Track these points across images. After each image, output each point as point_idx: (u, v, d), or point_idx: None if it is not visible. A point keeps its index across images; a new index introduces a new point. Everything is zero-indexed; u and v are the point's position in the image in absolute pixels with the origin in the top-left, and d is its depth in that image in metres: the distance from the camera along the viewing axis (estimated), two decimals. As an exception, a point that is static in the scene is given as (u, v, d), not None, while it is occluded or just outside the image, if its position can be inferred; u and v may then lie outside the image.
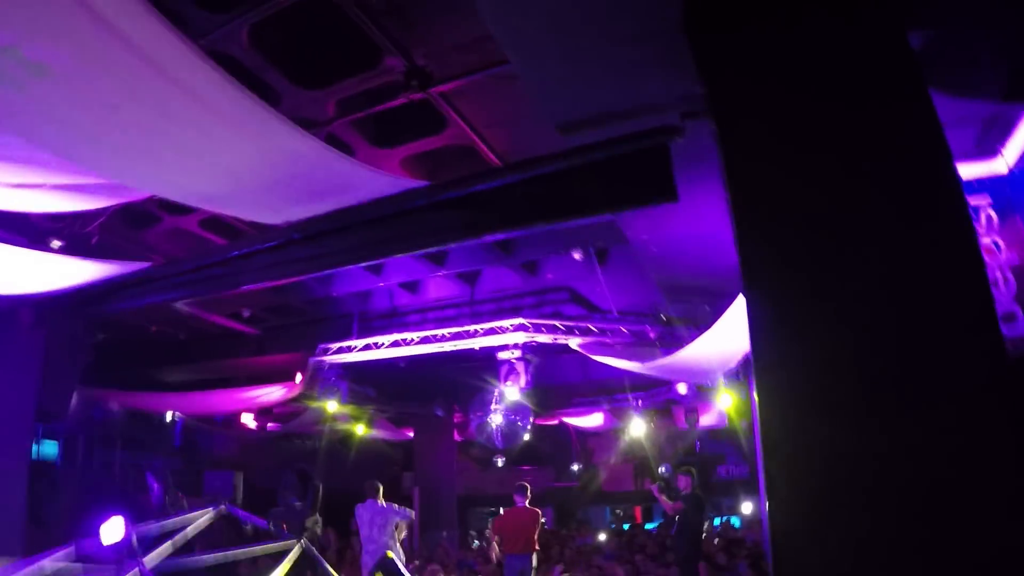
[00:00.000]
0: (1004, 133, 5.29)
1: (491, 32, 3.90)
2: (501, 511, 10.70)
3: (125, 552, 7.31)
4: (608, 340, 10.95)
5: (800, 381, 2.72)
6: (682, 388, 14.09)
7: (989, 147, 5.47)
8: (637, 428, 15.70)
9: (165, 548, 7.38)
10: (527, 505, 9.90)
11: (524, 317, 10.66)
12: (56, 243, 7.05)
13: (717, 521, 18.19)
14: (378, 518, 9.42)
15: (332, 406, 13.02)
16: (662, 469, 14.94)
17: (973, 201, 5.75)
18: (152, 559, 5.73)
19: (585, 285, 11.11)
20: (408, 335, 11.32)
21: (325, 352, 11.92)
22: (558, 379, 14.70)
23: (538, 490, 11.64)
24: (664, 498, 10.27)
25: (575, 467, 20.50)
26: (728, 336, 8.56)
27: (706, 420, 15.59)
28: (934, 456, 2.43)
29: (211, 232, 8.39)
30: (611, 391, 15.41)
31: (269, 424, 16.09)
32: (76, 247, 7.18)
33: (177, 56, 3.38)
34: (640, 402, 15.27)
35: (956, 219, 2.70)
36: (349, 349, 11.78)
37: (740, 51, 3.29)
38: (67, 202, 5.53)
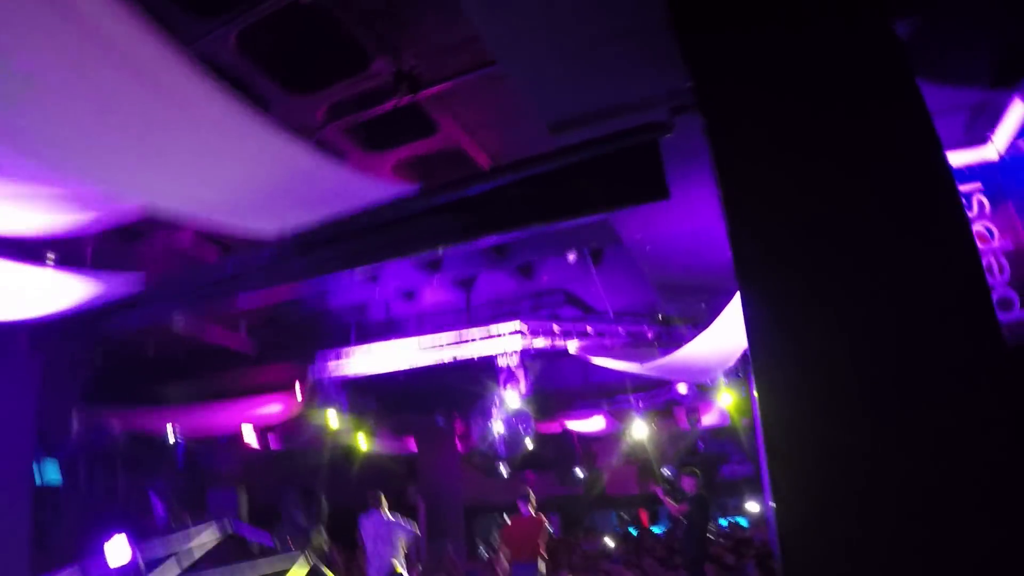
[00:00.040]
0: (993, 120, 5.31)
1: (478, 32, 3.91)
2: (507, 519, 10.66)
3: (131, 572, 7.29)
4: (606, 342, 10.94)
5: (799, 378, 2.71)
6: (682, 388, 14.09)
7: (979, 134, 5.49)
8: (639, 430, 15.68)
9: (170, 567, 7.37)
10: (532, 512, 9.88)
11: (521, 321, 10.64)
12: (51, 256, 7.02)
13: (724, 522, 18.16)
14: (383, 531, 9.37)
15: (333, 419, 12.99)
16: (666, 471, 14.93)
17: (964, 188, 5.77)
18: (157, 578, 5.71)
19: (581, 287, 11.13)
20: (406, 344, 11.30)
21: (324, 364, 11.90)
22: (558, 384, 14.68)
23: (543, 497, 11.59)
24: (669, 500, 10.25)
25: (579, 472, 20.44)
26: (726, 334, 8.56)
27: (708, 420, 15.57)
28: (937, 450, 2.42)
29: (205, 247, 8.38)
30: (611, 393, 15.37)
31: (271, 440, 16.03)
32: (70, 266, 7.16)
33: (166, 63, 3.37)
34: (641, 404, 15.24)
35: (949, 209, 2.70)
36: (347, 361, 11.76)
37: (728, 48, 3.29)
38: (59, 218, 5.50)
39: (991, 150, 5.63)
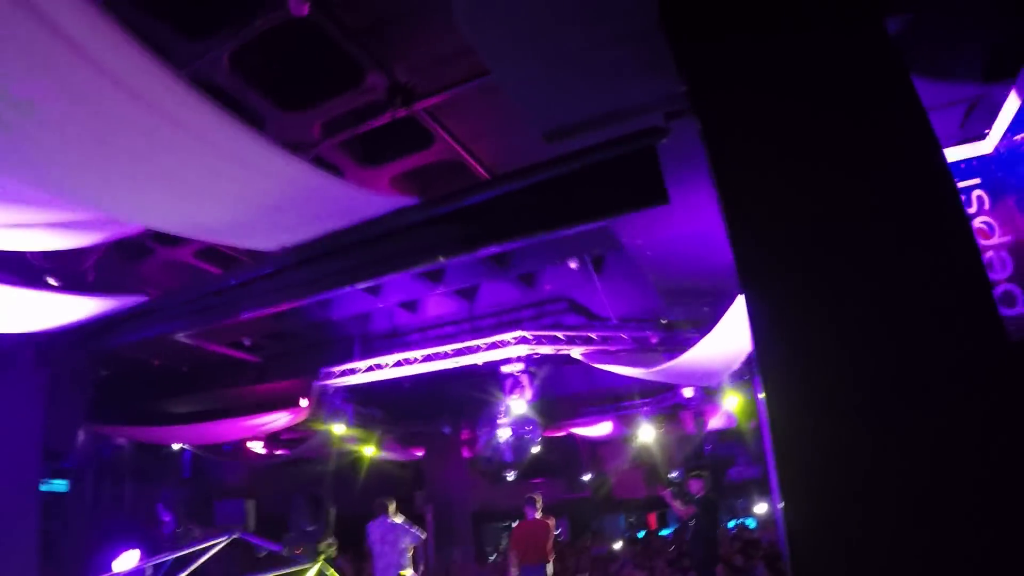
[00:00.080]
0: (989, 114, 5.30)
1: (468, 42, 3.91)
2: (514, 525, 10.67)
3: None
4: (610, 348, 10.94)
5: (806, 380, 2.70)
6: (688, 392, 14.07)
7: (975, 129, 5.48)
8: (646, 434, 15.66)
9: (178, 576, 7.42)
10: (538, 516, 9.91)
11: (525, 329, 10.65)
12: (53, 282, 7.07)
13: (731, 523, 18.11)
14: (389, 535, 9.48)
15: (339, 429, 13.01)
16: (673, 474, 14.91)
17: (964, 184, 5.77)
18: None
19: (583, 294, 11.12)
20: (410, 354, 11.32)
21: (328, 376, 11.93)
22: (564, 390, 14.66)
23: (551, 502, 11.60)
24: (677, 503, 10.24)
25: (586, 477, 20.41)
26: (731, 337, 8.55)
27: (714, 423, 15.57)
28: (945, 448, 2.40)
29: (206, 263, 8.41)
30: (618, 399, 15.37)
31: (278, 450, 16.06)
32: (72, 284, 7.20)
33: (161, 86, 3.39)
34: (647, 408, 15.24)
35: (948, 208, 2.69)
36: (352, 372, 11.77)
37: (721, 52, 3.29)
38: (61, 239, 5.54)
39: (987, 144, 5.62)
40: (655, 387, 14.04)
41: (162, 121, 3.64)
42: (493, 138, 6.21)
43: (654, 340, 10.91)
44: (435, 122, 5.83)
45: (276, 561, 8.35)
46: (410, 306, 11.68)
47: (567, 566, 13.77)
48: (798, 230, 2.85)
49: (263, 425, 12.92)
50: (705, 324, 9.10)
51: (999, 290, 5.66)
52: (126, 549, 9.12)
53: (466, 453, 16.98)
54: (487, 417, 12.52)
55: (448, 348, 11.04)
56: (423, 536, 9.93)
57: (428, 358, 11.16)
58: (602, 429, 16.69)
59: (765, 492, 15.98)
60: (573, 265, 9.23)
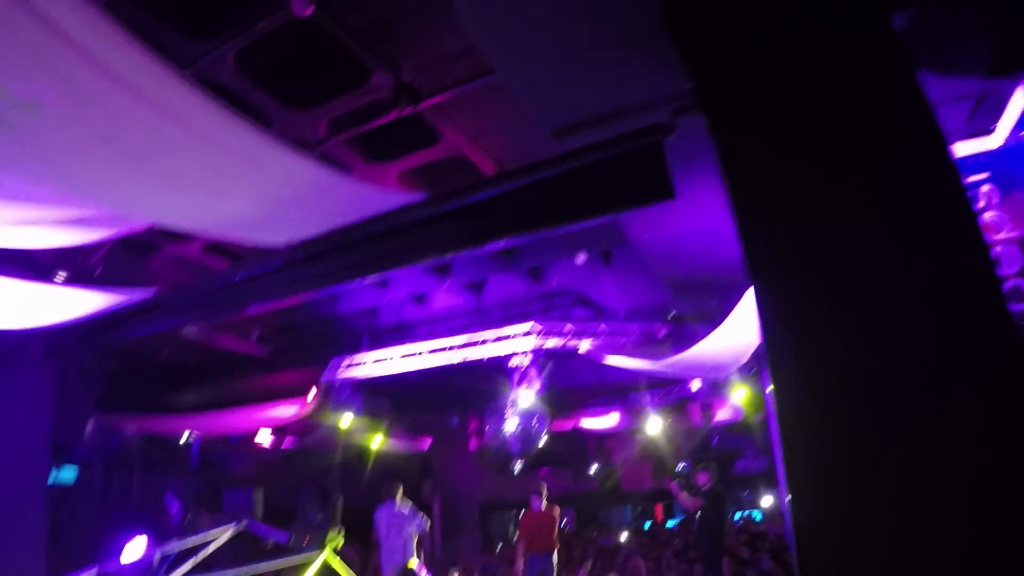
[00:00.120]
0: (996, 109, 5.27)
1: (472, 41, 3.91)
2: (520, 515, 10.76)
3: (146, 571, 7.40)
4: (618, 341, 10.94)
5: (815, 373, 2.70)
6: (696, 384, 14.08)
7: (981, 124, 5.46)
8: (653, 426, 15.69)
9: (187, 566, 7.48)
10: (544, 505, 9.97)
11: (533, 322, 10.66)
12: (61, 275, 7.10)
13: (737, 516, 18.15)
14: (395, 520, 9.54)
15: (347, 421, 13.07)
16: (681, 466, 14.95)
17: (972, 179, 5.75)
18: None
19: (592, 288, 11.10)
20: (418, 347, 11.35)
21: (336, 368, 11.96)
22: (572, 382, 14.67)
23: (557, 493, 11.67)
24: (684, 495, 10.27)
25: (593, 468, 20.46)
26: (739, 330, 8.55)
27: (722, 415, 15.56)
28: (954, 443, 2.40)
29: (214, 257, 8.43)
30: (625, 391, 15.39)
31: (285, 441, 16.15)
32: (80, 279, 7.23)
33: (166, 86, 3.40)
34: (655, 400, 15.25)
35: (956, 204, 2.68)
36: (360, 364, 11.82)
37: (727, 49, 3.29)
38: (68, 235, 5.57)
39: (995, 139, 5.60)
40: (662, 379, 14.04)
41: (165, 119, 3.65)
42: (500, 134, 6.20)
43: (662, 333, 10.90)
44: (441, 120, 5.83)
45: (283, 551, 8.40)
46: (418, 299, 11.69)
47: (574, 556, 13.84)
48: (806, 225, 2.85)
49: (272, 416, 13.00)
50: (713, 317, 9.08)
51: (1008, 285, 5.65)
52: (135, 536, 9.18)
53: (473, 444, 17.04)
54: (495, 408, 12.56)
55: (456, 341, 11.07)
56: (427, 525, 9.99)
57: (435, 351, 11.20)
58: (609, 421, 16.72)
59: (772, 485, 16.00)
60: (581, 259, 9.21)
